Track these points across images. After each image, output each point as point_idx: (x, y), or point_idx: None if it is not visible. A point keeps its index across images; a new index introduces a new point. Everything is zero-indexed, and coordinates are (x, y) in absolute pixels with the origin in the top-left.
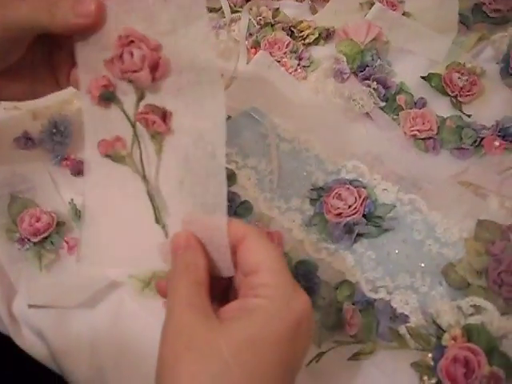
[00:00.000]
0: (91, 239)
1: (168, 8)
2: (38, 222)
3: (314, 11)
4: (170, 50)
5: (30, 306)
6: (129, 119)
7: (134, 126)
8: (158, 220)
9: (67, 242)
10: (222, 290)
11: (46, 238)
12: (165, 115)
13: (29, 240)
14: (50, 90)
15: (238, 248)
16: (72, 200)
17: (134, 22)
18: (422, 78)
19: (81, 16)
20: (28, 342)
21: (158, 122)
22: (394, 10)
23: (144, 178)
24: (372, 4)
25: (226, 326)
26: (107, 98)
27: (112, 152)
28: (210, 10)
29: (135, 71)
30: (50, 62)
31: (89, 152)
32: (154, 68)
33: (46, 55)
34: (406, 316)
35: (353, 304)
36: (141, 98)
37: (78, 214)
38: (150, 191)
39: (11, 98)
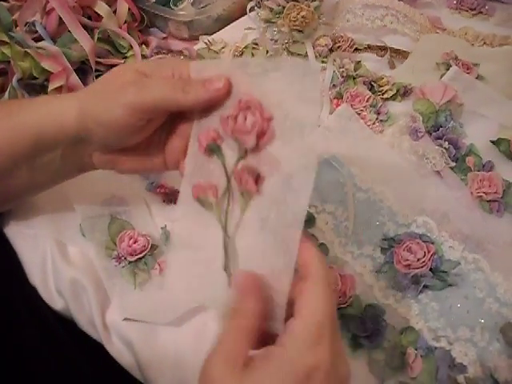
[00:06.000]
0: (173, 265)
1: (284, 89)
2: (135, 243)
3: (392, 66)
4: (279, 123)
5: (125, 319)
6: (226, 173)
7: (229, 180)
8: (225, 267)
9: (159, 264)
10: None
11: (140, 258)
12: (258, 178)
13: (125, 259)
14: (156, 169)
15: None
16: (165, 226)
17: (253, 91)
18: (492, 142)
19: (211, 91)
20: (117, 350)
21: (251, 182)
22: (469, 73)
23: (224, 228)
24: (448, 64)
25: (247, 378)
26: (213, 149)
27: (203, 197)
28: (295, 55)
29: (244, 133)
30: (164, 146)
31: (183, 190)
32: (261, 135)
33: (162, 140)
34: (465, 366)
35: (415, 349)
36: (242, 157)
37: (169, 239)
38: (225, 241)
39: (121, 171)
